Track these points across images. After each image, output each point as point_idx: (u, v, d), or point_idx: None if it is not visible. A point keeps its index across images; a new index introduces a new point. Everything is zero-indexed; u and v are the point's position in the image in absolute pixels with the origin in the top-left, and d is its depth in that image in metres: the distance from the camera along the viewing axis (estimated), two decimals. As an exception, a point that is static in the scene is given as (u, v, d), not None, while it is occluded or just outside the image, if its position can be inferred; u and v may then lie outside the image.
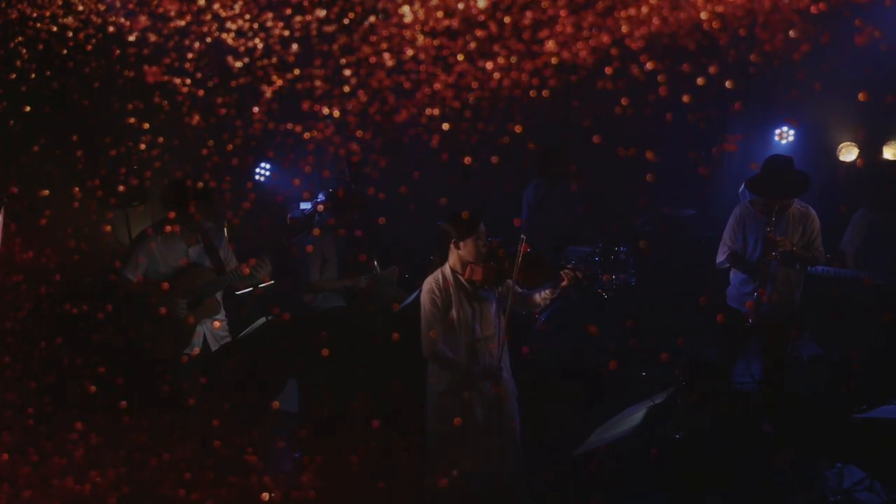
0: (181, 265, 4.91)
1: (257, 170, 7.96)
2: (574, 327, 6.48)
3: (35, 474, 3.63)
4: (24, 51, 5.40)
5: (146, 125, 5.79)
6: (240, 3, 5.46)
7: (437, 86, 5.39)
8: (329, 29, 5.49)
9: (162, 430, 4.26)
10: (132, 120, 5.68)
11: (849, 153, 7.69)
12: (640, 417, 4.03)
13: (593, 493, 4.48)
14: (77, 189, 5.61)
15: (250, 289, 5.29)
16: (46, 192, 5.52)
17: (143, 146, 5.85)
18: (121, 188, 6.09)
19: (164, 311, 4.70)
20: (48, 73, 5.56)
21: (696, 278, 6.38)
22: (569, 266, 4.44)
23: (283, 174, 7.97)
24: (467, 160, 4.74)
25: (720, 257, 5.65)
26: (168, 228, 4.87)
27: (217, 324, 5.00)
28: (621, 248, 6.80)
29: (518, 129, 5.31)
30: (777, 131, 8.00)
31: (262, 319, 5.14)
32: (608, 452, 4.38)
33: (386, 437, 4.59)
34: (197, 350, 4.96)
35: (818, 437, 5.17)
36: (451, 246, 4.39)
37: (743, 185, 6.13)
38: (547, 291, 4.49)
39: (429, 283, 4.40)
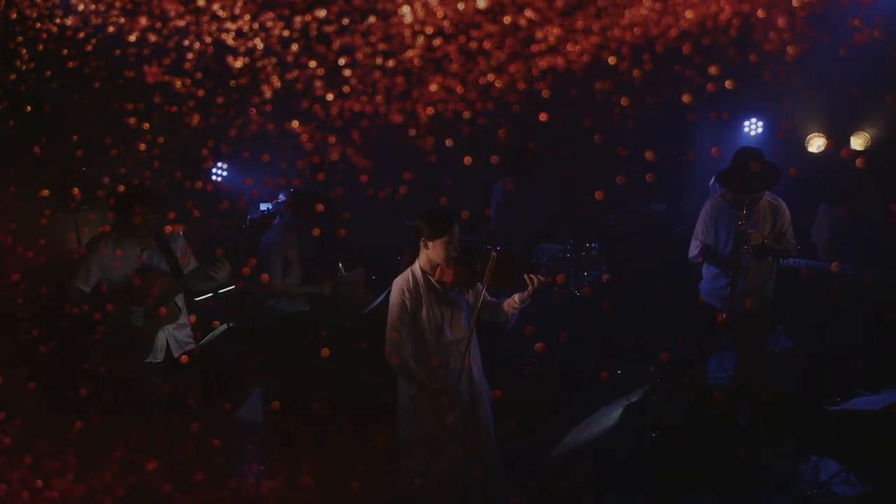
0: (135, 270, 4.83)
1: (214, 170, 7.90)
2: (547, 326, 6.54)
3: (30, 476, 3.81)
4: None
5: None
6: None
7: (430, 87, 5.52)
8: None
9: (156, 433, 4.38)
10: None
11: (817, 144, 7.89)
12: (617, 416, 4.10)
13: (571, 494, 4.54)
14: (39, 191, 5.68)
15: (211, 294, 5.24)
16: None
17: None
18: (75, 192, 6.00)
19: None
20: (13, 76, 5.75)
21: (668, 274, 6.47)
22: (534, 273, 4.42)
23: (242, 175, 7.92)
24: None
25: (692, 251, 5.77)
26: (114, 233, 4.80)
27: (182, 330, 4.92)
28: (593, 245, 6.89)
29: (502, 133, 5.38)
30: (746, 123, 8.18)
31: (224, 326, 5.10)
32: (585, 453, 4.43)
33: (359, 439, 4.62)
34: (159, 360, 4.91)
35: (793, 430, 5.30)
36: (421, 244, 4.40)
37: (713, 179, 6.26)
38: (515, 298, 4.50)
39: (399, 283, 4.41)
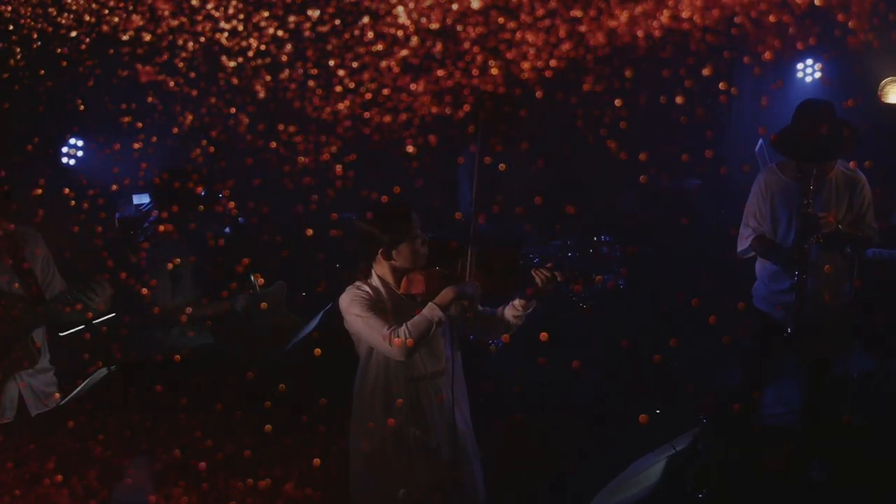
0: None
1: (64, 149, 7.80)
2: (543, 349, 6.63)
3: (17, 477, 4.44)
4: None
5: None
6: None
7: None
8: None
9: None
10: None
11: (894, 93, 8.09)
12: (659, 472, 4.16)
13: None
14: None
15: (81, 326, 5.17)
16: None
17: None
18: None
19: None
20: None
21: (708, 275, 6.60)
22: (545, 266, 4.48)
23: (105, 154, 7.83)
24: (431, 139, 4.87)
25: (742, 244, 5.89)
26: None
27: None
28: (603, 239, 6.97)
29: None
30: (799, 66, 8.39)
31: (103, 371, 5.05)
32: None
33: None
34: (8, 418, 4.84)
35: (883, 480, 5.46)
36: (379, 255, 4.43)
37: (761, 143, 6.39)
38: (519, 304, 4.56)
39: (348, 293, 4.42)
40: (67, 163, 7.92)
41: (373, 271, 4.49)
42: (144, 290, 5.56)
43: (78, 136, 7.86)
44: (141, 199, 7.28)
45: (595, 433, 6.01)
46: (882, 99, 8.06)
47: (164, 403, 5.23)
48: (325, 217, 7.19)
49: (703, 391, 6.09)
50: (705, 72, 5.51)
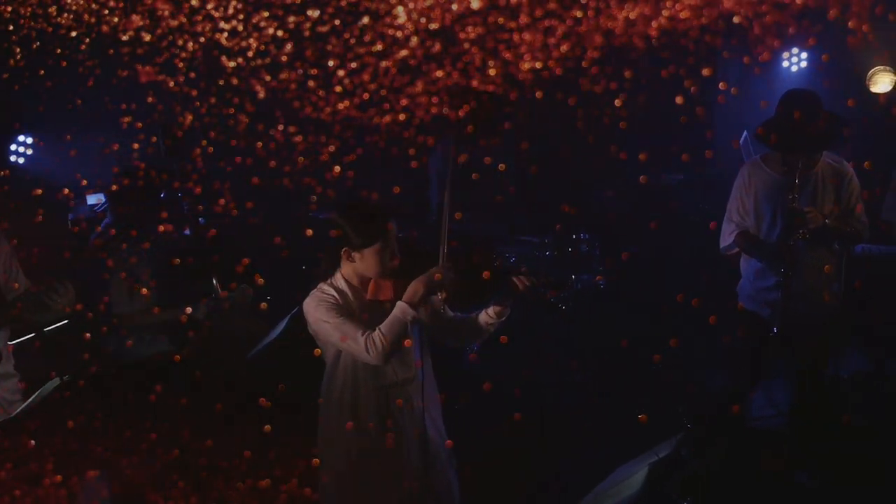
0: None
1: (14, 147, 7.74)
2: (522, 355, 6.62)
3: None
4: None
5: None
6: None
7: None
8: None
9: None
10: None
11: (882, 82, 8.14)
12: (641, 481, 4.14)
13: None
14: None
15: (37, 331, 5.16)
16: None
17: None
18: None
19: None
20: None
21: (692, 273, 6.61)
22: (522, 272, 4.46)
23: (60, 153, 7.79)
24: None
25: (725, 240, 5.92)
26: None
27: None
28: (583, 237, 6.97)
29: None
30: (784, 55, 8.43)
31: (56, 380, 5.00)
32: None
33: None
34: None
35: (872, 488, 5.49)
36: (343, 255, 4.39)
37: (745, 135, 6.42)
38: (493, 310, 4.52)
39: (313, 298, 4.39)
40: (16, 161, 7.83)
41: (338, 272, 4.45)
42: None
43: (28, 133, 7.79)
44: (95, 200, 7.25)
45: (574, 441, 6.01)
46: (870, 88, 8.12)
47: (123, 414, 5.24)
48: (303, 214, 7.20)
49: (688, 394, 6.10)
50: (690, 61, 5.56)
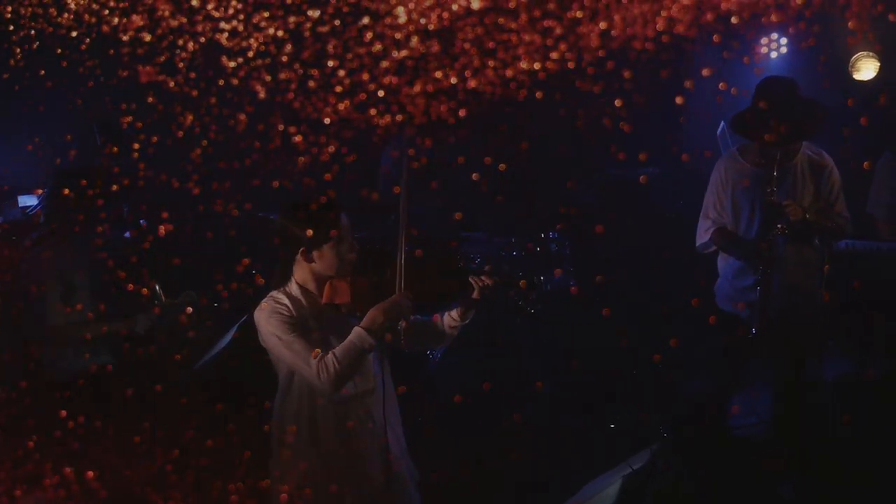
0: None
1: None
2: (489, 362, 6.61)
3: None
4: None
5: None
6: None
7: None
8: None
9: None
10: None
11: (866, 69, 8.18)
12: (614, 494, 4.15)
13: None
14: None
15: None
16: None
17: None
18: None
19: None
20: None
21: (667, 272, 6.62)
22: (485, 269, 4.47)
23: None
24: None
25: (702, 237, 5.94)
26: None
27: None
28: (552, 235, 6.96)
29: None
30: (763, 41, 8.45)
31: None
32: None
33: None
34: None
35: (861, 496, 5.51)
36: (299, 257, 4.37)
37: (723, 126, 6.44)
38: (456, 313, 4.53)
39: (265, 308, 4.35)
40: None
41: (292, 279, 4.43)
42: None
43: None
44: (27, 202, 7.19)
45: (543, 453, 6.01)
46: (853, 75, 8.16)
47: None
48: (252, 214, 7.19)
49: (663, 402, 6.10)
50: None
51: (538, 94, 5.63)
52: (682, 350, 6.57)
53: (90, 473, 4.86)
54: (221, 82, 6.58)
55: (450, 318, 4.55)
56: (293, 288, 4.40)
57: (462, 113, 6.71)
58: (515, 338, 6.97)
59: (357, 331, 4.20)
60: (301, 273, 4.40)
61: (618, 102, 4.74)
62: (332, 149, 6.39)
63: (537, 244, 7.05)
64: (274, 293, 4.39)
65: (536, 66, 5.86)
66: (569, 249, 7.14)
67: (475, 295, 4.40)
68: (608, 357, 6.70)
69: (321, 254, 4.34)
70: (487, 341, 6.89)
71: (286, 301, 4.34)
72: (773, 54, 8.52)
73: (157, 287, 6.05)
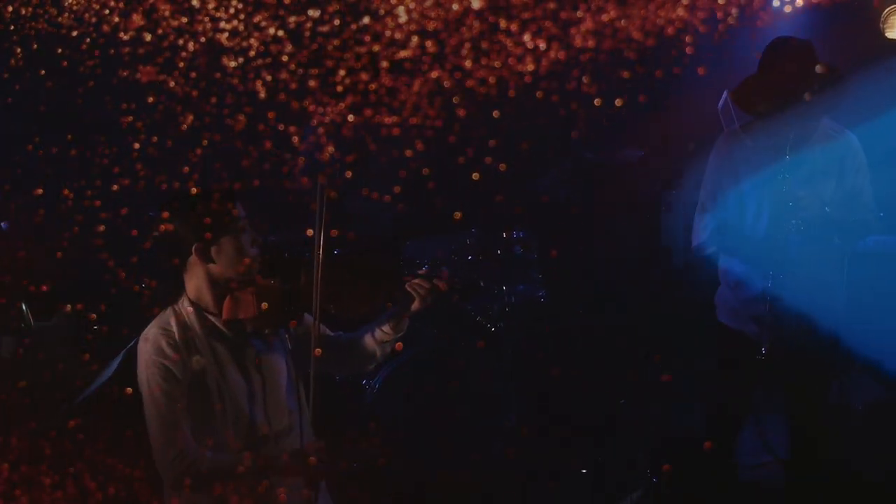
0: None
1: None
2: (439, 390, 6.59)
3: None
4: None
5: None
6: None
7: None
8: None
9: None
10: None
11: (897, 26, 8.20)
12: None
13: None
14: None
15: None
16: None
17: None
18: None
19: None
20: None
21: (654, 280, 6.63)
22: (419, 273, 4.51)
23: None
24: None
25: (699, 236, 5.92)
26: None
27: None
28: (515, 235, 6.97)
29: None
30: (776, -8, 8.44)
31: None
32: None
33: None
34: None
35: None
36: (194, 258, 4.33)
37: (725, 96, 6.40)
38: (387, 325, 4.54)
39: (150, 339, 4.32)
40: None
41: (183, 294, 4.40)
42: None
43: None
44: None
45: (510, 498, 6.04)
46: (885, 33, 8.18)
47: None
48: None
49: (651, 437, 6.08)
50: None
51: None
52: (677, 374, 6.60)
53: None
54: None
55: (380, 332, 4.58)
56: (185, 306, 4.38)
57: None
58: (474, 361, 6.92)
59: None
60: (195, 282, 4.39)
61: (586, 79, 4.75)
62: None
63: (500, 246, 7.02)
64: (161, 316, 4.38)
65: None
66: (536, 253, 7.11)
67: (415, 305, 4.45)
68: (587, 382, 6.68)
69: (219, 248, 4.32)
70: (441, 366, 6.86)
71: (174, 329, 4.32)
72: (787, 8, 8.51)
73: (24, 307, 6.05)
